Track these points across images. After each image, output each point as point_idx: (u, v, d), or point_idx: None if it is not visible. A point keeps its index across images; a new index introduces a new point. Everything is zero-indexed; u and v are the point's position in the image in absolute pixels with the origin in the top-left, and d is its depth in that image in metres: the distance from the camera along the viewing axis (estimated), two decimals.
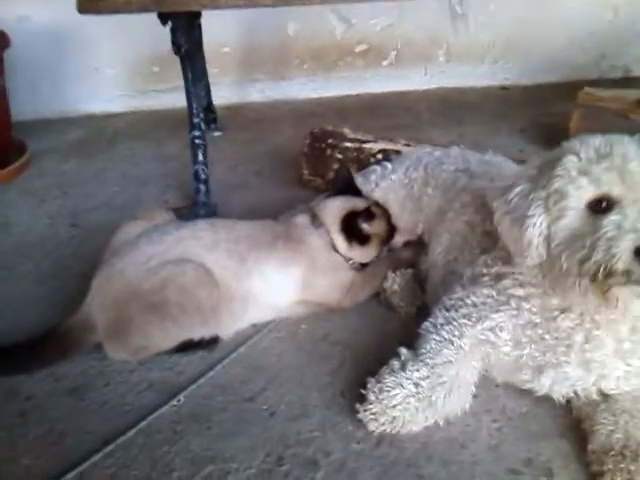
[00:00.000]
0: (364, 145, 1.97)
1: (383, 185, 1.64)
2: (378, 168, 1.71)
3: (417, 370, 1.19)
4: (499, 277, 1.23)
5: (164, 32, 2.75)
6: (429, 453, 1.17)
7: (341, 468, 1.15)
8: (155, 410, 1.28)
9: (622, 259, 0.96)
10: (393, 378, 1.19)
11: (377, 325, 1.52)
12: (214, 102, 2.68)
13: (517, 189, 1.15)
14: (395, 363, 1.23)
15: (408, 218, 1.61)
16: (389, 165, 1.70)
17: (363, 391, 1.20)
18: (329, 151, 2.00)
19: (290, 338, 1.49)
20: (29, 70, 2.71)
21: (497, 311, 1.21)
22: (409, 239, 1.65)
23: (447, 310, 1.28)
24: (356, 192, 1.63)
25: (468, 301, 1.25)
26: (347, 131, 2.05)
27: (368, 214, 1.54)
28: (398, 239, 1.64)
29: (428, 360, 1.20)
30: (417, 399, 1.17)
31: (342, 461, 1.16)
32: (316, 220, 1.56)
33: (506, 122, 2.67)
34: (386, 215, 1.60)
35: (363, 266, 1.59)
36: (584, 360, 1.15)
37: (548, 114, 2.63)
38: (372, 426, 1.18)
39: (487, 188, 1.40)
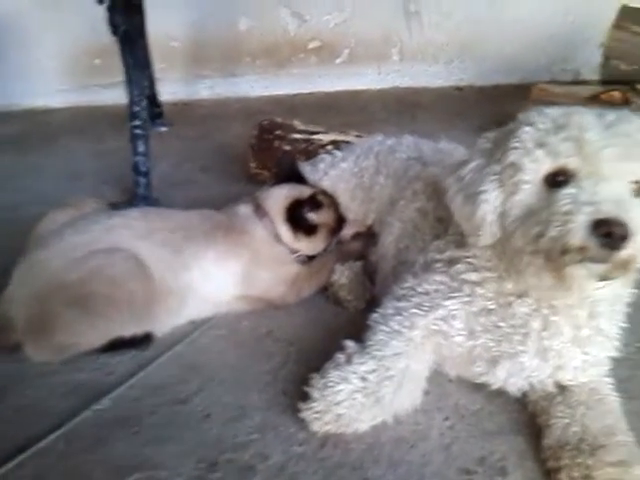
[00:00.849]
0: (313, 136, 1.89)
1: (332, 174, 1.56)
2: (327, 157, 1.63)
3: (364, 363, 1.10)
4: (452, 262, 1.16)
5: (104, 24, 2.65)
6: (376, 454, 1.08)
7: (280, 473, 1.05)
8: (78, 414, 1.16)
9: (577, 235, 0.89)
10: (338, 372, 1.10)
11: (324, 320, 1.43)
12: (161, 98, 2.58)
13: (471, 164, 1.08)
14: (340, 357, 1.14)
15: (358, 208, 1.53)
16: (339, 153, 1.62)
17: (306, 388, 1.11)
18: (277, 143, 1.92)
19: (231, 335, 1.39)
20: None
21: (450, 298, 1.13)
22: (359, 231, 1.56)
23: (397, 300, 1.20)
24: (300, 180, 1.54)
25: (420, 289, 1.18)
26: (297, 123, 1.97)
27: (314, 203, 1.45)
28: (347, 231, 1.56)
29: (376, 352, 1.12)
30: (364, 394, 1.08)
31: (281, 465, 1.06)
32: (260, 210, 1.47)
33: (461, 121, 2.63)
34: (334, 205, 1.52)
35: (310, 259, 1.51)
36: (541, 348, 1.08)
37: (503, 113, 2.58)
38: (316, 426, 1.09)
39: (441, 172, 1.34)
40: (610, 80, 2.33)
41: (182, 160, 2.28)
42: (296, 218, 1.45)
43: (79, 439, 1.11)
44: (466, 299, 1.12)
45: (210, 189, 2.04)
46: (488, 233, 1.03)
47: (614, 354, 1.12)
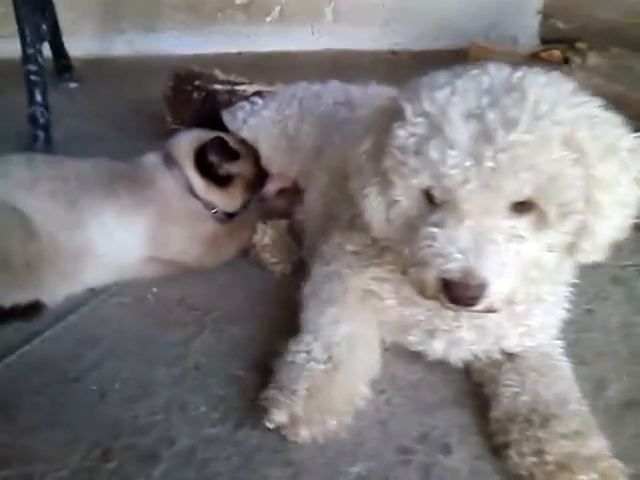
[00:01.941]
0: (237, 87, 1.70)
1: (252, 122, 1.39)
2: (247, 104, 1.45)
3: (303, 342, 0.95)
4: None
5: None
6: None
7: (188, 459, 0.88)
8: None
9: (429, 288, 0.80)
10: (285, 366, 0.94)
11: (246, 286, 1.26)
12: (72, 53, 2.31)
13: (365, 144, 0.90)
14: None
15: (282, 160, 1.36)
16: (259, 101, 1.44)
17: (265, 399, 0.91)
18: (196, 94, 1.72)
19: (136, 304, 1.20)
20: None
21: (377, 264, 0.99)
22: (283, 186, 1.40)
23: (327, 264, 1.05)
24: (222, 130, 1.35)
25: (349, 248, 1.02)
26: (218, 72, 1.77)
27: (224, 148, 1.26)
28: (270, 186, 1.39)
29: (312, 327, 0.97)
30: (322, 372, 0.91)
31: (189, 450, 0.89)
32: (169, 158, 1.27)
33: (396, 86, 2.49)
34: (254, 156, 1.34)
35: (229, 218, 1.33)
36: (475, 325, 0.95)
37: None
38: (303, 433, 0.88)
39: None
40: (549, 40, 2.25)
41: (91, 116, 2.04)
42: (205, 165, 1.26)
43: None
44: (391, 267, 0.98)
45: (122, 147, 1.80)
46: (377, 231, 0.91)
47: (562, 317, 1.00)
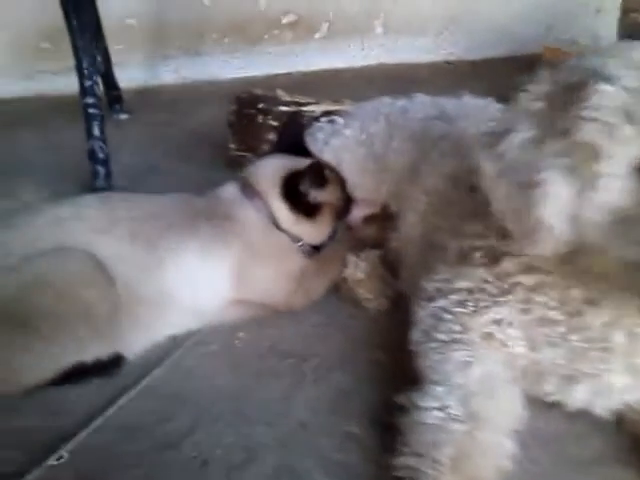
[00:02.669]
0: (304, 108, 1.59)
1: (334, 143, 1.27)
2: (326, 125, 1.34)
3: (433, 397, 0.81)
4: (496, 257, 0.86)
5: None
6: None
7: None
8: (20, 477, 0.84)
9: None
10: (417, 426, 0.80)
11: (341, 327, 1.13)
12: (120, 84, 2.24)
13: (514, 137, 0.76)
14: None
15: (369, 183, 1.24)
16: (340, 120, 1.33)
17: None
18: (260, 118, 1.61)
19: (223, 353, 1.08)
20: None
21: (499, 303, 0.85)
22: (370, 213, 1.27)
23: (430, 299, 0.91)
24: (306, 154, 1.23)
25: (458, 284, 0.89)
26: (281, 93, 1.67)
27: (317, 175, 1.15)
28: (357, 213, 1.26)
29: (437, 377, 0.83)
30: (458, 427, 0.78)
31: None
32: (248, 188, 1.16)
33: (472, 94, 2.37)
34: (340, 181, 1.22)
35: (315, 251, 1.21)
36: (631, 366, 0.81)
37: (505, 85, 2.35)
38: None
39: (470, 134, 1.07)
40: (631, 35, 2.09)
41: (147, 148, 1.96)
42: (294, 195, 1.15)
43: None
44: (520, 306, 0.84)
45: (183, 178, 1.72)
46: (551, 242, 0.73)
47: None
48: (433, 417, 0.79)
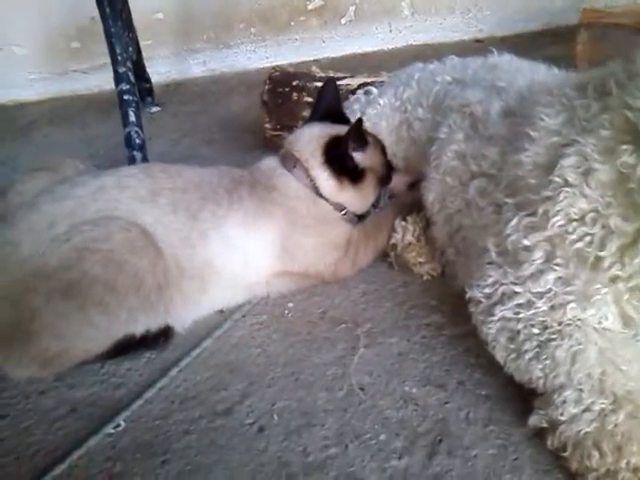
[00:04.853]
0: (339, 82, 1.55)
1: (371, 112, 1.25)
2: (362, 96, 1.32)
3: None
4: (565, 257, 0.78)
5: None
6: None
7: None
8: (79, 445, 0.83)
9: None
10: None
11: (391, 293, 1.10)
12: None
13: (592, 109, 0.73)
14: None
15: (407, 150, 1.20)
16: (374, 90, 1.30)
17: None
18: (295, 95, 1.59)
19: (274, 322, 1.06)
20: None
21: (587, 307, 0.78)
22: (412, 180, 1.23)
23: (493, 305, 0.85)
24: (343, 122, 1.20)
25: (519, 288, 0.82)
26: (315, 69, 1.64)
27: (359, 137, 1.11)
28: (399, 180, 1.23)
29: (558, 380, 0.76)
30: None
31: None
32: (288, 158, 1.14)
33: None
34: (380, 146, 1.19)
35: (359, 218, 1.18)
36: None
37: (540, 59, 2.29)
38: None
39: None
40: None
41: (181, 137, 1.95)
42: (337, 160, 1.12)
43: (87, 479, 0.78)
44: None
45: (219, 162, 1.70)
46: None
47: None
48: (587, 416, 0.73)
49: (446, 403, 0.85)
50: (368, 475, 0.75)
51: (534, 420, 0.77)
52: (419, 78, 1.27)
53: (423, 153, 1.14)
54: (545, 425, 0.75)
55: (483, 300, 0.84)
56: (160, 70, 2.44)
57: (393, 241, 1.14)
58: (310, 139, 1.14)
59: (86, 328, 0.92)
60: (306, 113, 1.55)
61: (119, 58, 1.55)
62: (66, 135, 2.07)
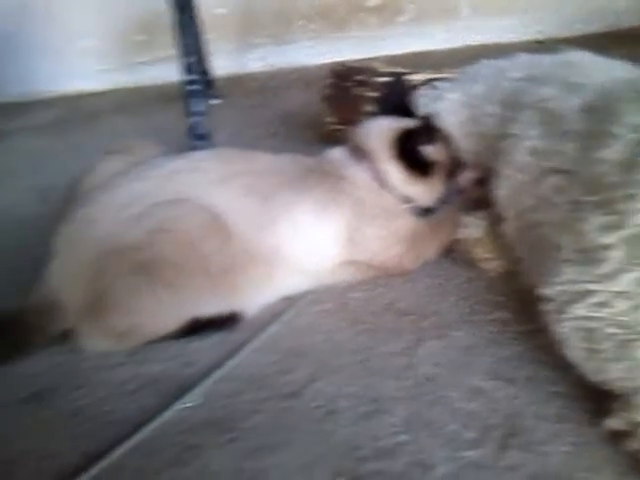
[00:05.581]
0: (404, 78, 1.55)
1: (438, 107, 1.24)
2: (428, 91, 1.31)
3: None
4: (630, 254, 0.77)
5: None
6: None
7: None
8: (153, 418, 0.85)
9: None
10: None
11: (456, 288, 1.10)
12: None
13: None
14: None
15: (475, 145, 1.19)
16: (442, 85, 1.29)
17: None
18: (359, 90, 1.59)
19: (339, 311, 1.07)
20: None
21: None
22: (480, 175, 1.22)
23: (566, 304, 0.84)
24: (410, 116, 1.21)
25: (596, 287, 0.80)
26: (378, 64, 1.64)
27: (429, 132, 1.11)
28: (466, 176, 1.22)
29: None
30: None
31: (452, 477, 0.74)
32: (357, 151, 1.14)
33: None
34: (448, 141, 1.19)
35: (426, 212, 1.17)
36: None
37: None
38: None
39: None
40: None
41: (243, 128, 1.98)
42: (408, 153, 1.12)
43: (160, 450, 0.81)
44: None
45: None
46: None
47: None
48: None
49: (515, 398, 0.84)
50: (439, 463, 0.75)
51: (612, 422, 0.76)
52: (487, 74, 1.26)
53: (492, 149, 1.13)
54: (624, 427, 0.74)
55: (556, 298, 0.83)
56: (220, 64, 2.48)
57: (459, 236, 1.13)
58: (380, 132, 1.15)
59: (155, 305, 0.95)
60: (368, 108, 1.56)
61: (187, 50, 1.58)
62: (131, 124, 2.13)
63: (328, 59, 2.58)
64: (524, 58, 1.28)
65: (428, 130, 1.11)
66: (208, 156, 1.06)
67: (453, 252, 1.16)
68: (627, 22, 2.62)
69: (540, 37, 2.69)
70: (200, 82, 1.60)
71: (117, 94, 2.51)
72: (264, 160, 1.09)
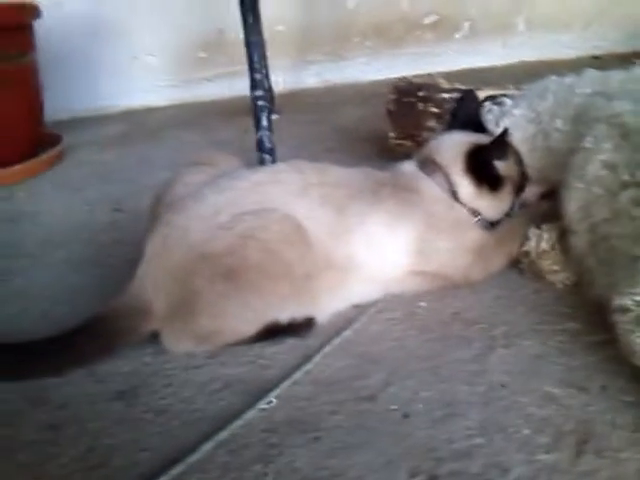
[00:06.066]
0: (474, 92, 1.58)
1: (505, 123, 1.27)
2: (494, 106, 1.34)
3: None
4: None
5: (209, 13, 2.50)
6: None
7: None
8: (237, 416, 0.90)
9: None
10: None
11: (524, 299, 1.12)
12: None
13: None
14: None
15: (541, 161, 1.22)
16: (508, 101, 1.33)
17: None
18: (421, 105, 1.64)
19: (408, 319, 1.10)
20: (61, 62, 2.42)
21: None
22: (545, 190, 1.25)
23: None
24: (480, 130, 1.24)
25: None
26: (442, 81, 1.68)
27: (503, 148, 1.15)
28: (532, 190, 1.25)
29: None
30: None
31: (530, 477, 0.76)
32: (428, 164, 1.18)
33: None
34: (517, 156, 1.22)
35: (492, 225, 1.20)
36: None
37: None
38: None
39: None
40: None
41: (303, 143, 2.05)
42: (479, 168, 1.15)
43: (245, 447, 0.85)
44: None
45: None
46: None
47: None
48: None
49: (589, 405, 0.86)
50: (515, 466, 0.78)
51: None
52: (556, 90, 1.29)
53: (560, 164, 1.15)
54: None
55: (634, 308, 0.85)
56: (277, 80, 2.56)
57: (526, 248, 1.16)
58: (452, 146, 1.18)
59: (241, 309, 1.00)
60: (431, 123, 1.61)
61: (256, 66, 1.66)
62: (193, 138, 2.22)
63: (384, 75, 2.64)
64: (593, 74, 1.30)
65: (501, 145, 1.14)
66: (287, 168, 1.11)
67: (519, 264, 1.19)
68: None
69: (597, 52, 2.69)
70: (267, 99, 1.67)
71: (177, 109, 2.62)
72: (336, 173, 1.13)
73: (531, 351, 0.98)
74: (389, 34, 2.65)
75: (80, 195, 1.82)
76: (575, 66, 2.63)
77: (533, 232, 1.16)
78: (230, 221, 1.00)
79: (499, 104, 1.36)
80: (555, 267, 1.13)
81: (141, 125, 2.44)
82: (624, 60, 2.58)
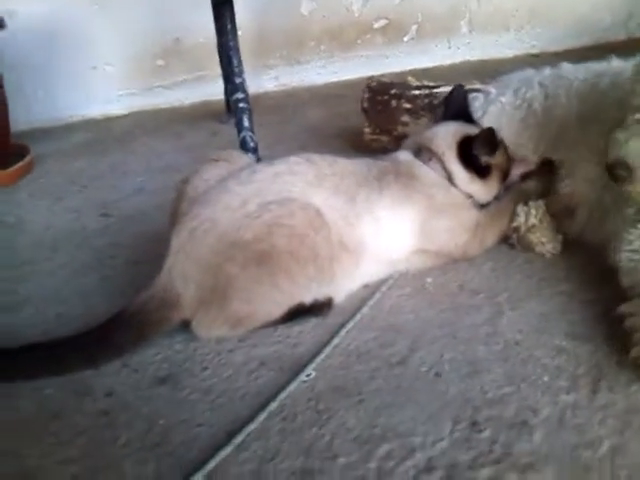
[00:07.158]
0: (435, 90, 1.71)
1: (492, 110, 1.39)
2: (480, 95, 1.46)
3: None
4: None
5: (165, 22, 2.54)
6: None
7: (561, 425, 0.85)
8: (283, 389, 0.97)
9: None
10: None
11: (518, 269, 1.24)
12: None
13: None
14: None
15: (527, 144, 1.35)
16: (492, 89, 1.45)
17: None
18: (394, 102, 1.75)
19: (418, 294, 1.20)
20: (18, 73, 2.39)
21: None
22: (527, 170, 1.37)
23: None
24: (470, 121, 1.35)
25: None
26: (411, 79, 1.80)
27: (489, 140, 1.26)
28: (515, 171, 1.37)
29: None
30: None
31: (558, 417, 0.87)
32: (424, 152, 1.28)
33: None
34: (503, 144, 1.34)
35: (482, 206, 1.32)
36: None
37: None
38: None
39: None
40: None
41: (277, 141, 2.10)
42: (468, 157, 1.26)
43: (296, 415, 0.92)
44: None
45: None
46: None
47: None
48: None
49: (595, 352, 0.98)
50: (543, 407, 0.89)
51: None
52: (541, 80, 1.40)
53: (564, 133, 1.30)
54: None
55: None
56: None
57: (515, 224, 1.28)
58: (446, 136, 1.29)
59: (272, 292, 1.07)
60: (405, 118, 1.72)
61: (236, 70, 1.72)
62: (163, 144, 2.25)
63: (338, 78, 2.76)
64: (569, 67, 1.43)
65: (487, 139, 1.24)
66: (302, 160, 1.18)
67: (509, 239, 1.31)
68: (613, 36, 2.84)
69: (534, 51, 2.89)
70: (247, 101, 1.73)
71: (137, 116, 2.62)
72: (343, 163, 1.21)
73: (536, 311, 1.10)
74: (342, 38, 2.75)
75: (61, 203, 1.82)
76: (515, 64, 2.82)
77: (521, 209, 1.29)
78: (257, 210, 1.06)
79: (485, 93, 1.46)
80: (543, 239, 1.25)
81: (106, 133, 2.43)
82: (560, 57, 2.80)
